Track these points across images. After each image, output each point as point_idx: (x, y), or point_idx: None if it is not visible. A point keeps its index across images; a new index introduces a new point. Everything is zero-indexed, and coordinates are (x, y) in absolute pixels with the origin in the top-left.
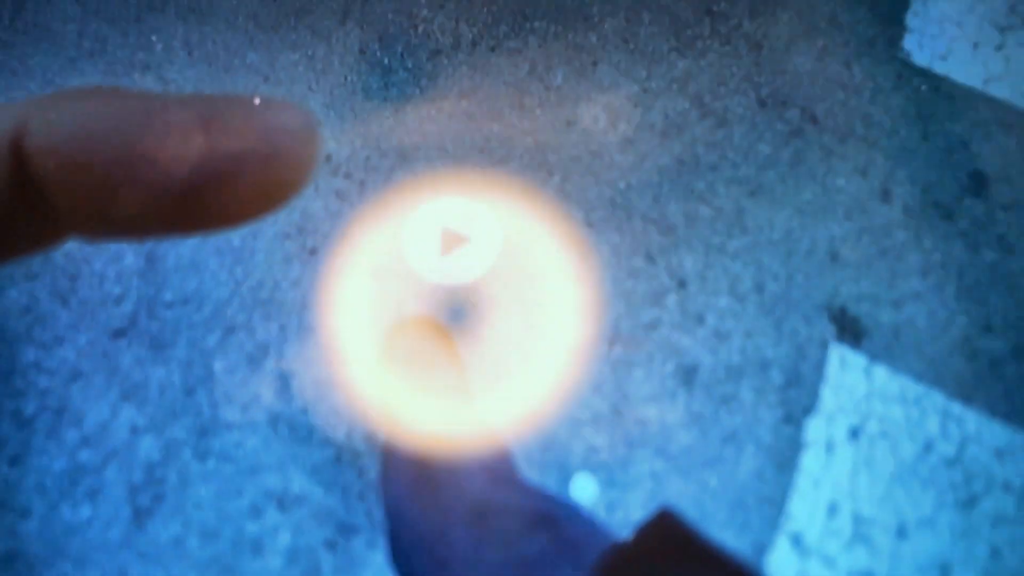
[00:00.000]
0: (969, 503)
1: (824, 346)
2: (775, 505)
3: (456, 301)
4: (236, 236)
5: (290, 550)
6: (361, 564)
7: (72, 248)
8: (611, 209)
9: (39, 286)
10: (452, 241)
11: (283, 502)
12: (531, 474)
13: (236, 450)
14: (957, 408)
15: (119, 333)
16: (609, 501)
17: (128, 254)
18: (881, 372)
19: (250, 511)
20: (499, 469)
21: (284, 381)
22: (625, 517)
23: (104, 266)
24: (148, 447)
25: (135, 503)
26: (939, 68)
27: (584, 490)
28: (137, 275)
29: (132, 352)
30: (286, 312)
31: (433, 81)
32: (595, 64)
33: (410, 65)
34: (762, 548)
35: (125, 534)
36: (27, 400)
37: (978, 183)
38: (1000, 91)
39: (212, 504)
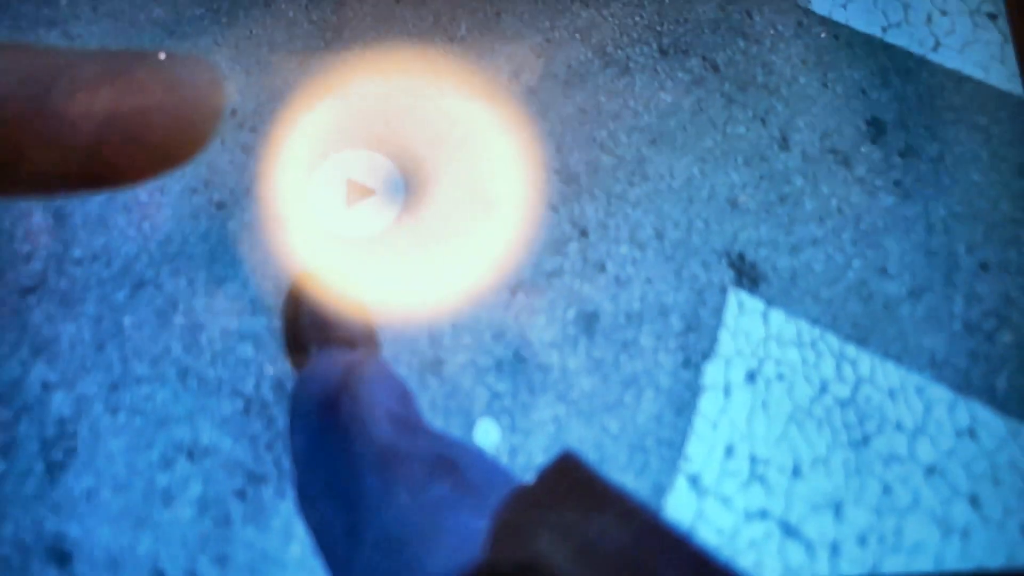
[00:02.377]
0: (862, 442)
1: (723, 291)
2: (674, 448)
3: (361, 256)
4: (143, 192)
5: (200, 500)
6: (271, 512)
7: None
8: (514, 159)
9: None
10: (357, 193)
11: (193, 453)
12: (435, 420)
13: (146, 403)
14: (852, 350)
15: (28, 290)
16: (512, 446)
17: (36, 212)
18: (778, 316)
19: (161, 463)
20: (404, 416)
21: (193, 334)
22: (527, 462)
23: (12, 224)
24: (59, 402)
25: (48, 457)
26: (839, 16)
27: (487, 435)
28: (46, 232)
29: (42, 309)
30: (194, 266)
31: (338, 34)
32: (499, 15)
33: (315, 18)
34: (661, 489)
35: (39, 488)
36: None
37: (876, 130)
38: (898, 39)
39: (123, 457)
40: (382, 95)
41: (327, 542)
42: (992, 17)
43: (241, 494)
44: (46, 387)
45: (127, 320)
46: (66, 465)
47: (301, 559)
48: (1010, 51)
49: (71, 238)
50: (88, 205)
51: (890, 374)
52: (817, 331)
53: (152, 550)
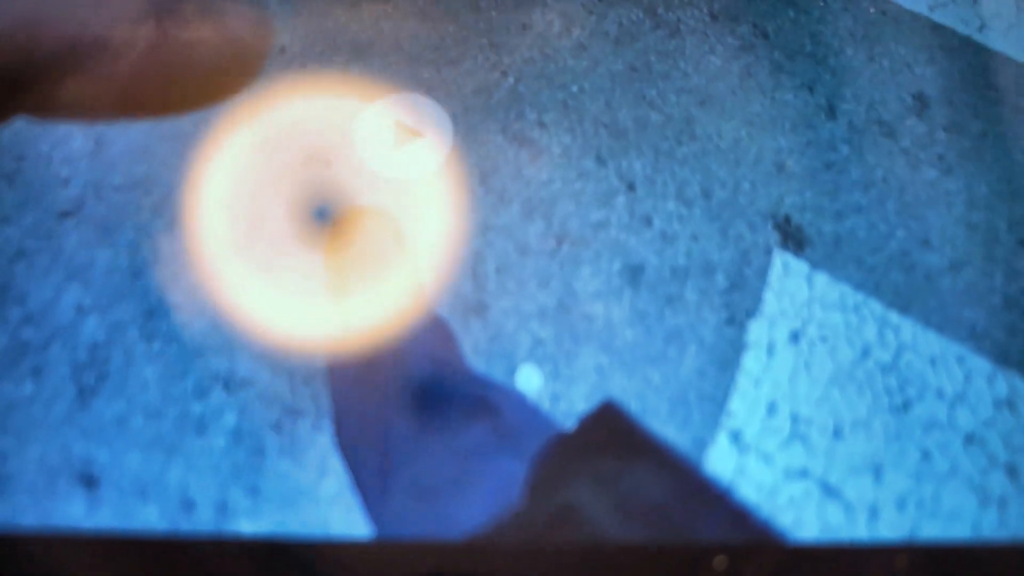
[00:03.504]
0: (903, 408)
1: (768, 252)
2: (716, 403)
3: (407, 197)
4: (188, 122)
5: (235, 431)
6: (306, 446)
7: (20, 127)
8: (563, 111)
9: None
10: (405, 135)
11: (229, 384)
12: (477, 364)
13: (183, 332)
14: (894, 317)
15: (65, 215)
16: (553, 393)
17: (77, 137)
18: (822, 279)
19: (195, 392)
20: (445, 357)
21: (238, 261)
22: (569, 409)
23: (51, 148)
24: (93, 327)
25: (79, 381)
26: None
27: (529, 381)
28: (86, 158)
29: (78, 234)
30: (238, 199)
31: None
32: None
33: None
34: (702, 444)
35: (68, 411)
36: None
37: (921, 104)
38: (944, 18)
39: (157, 384)
40: (431, 43)
41: (362, 483)
42: None
43: (277, 426)
44: (79, 311)
45: (165, 248)
46: (97, 390)
47: (336, 494)
48: None
49: (111, 165)
50: (130, 133)
51: (931, 342)
52: (860, 296)
53: (182, 478)
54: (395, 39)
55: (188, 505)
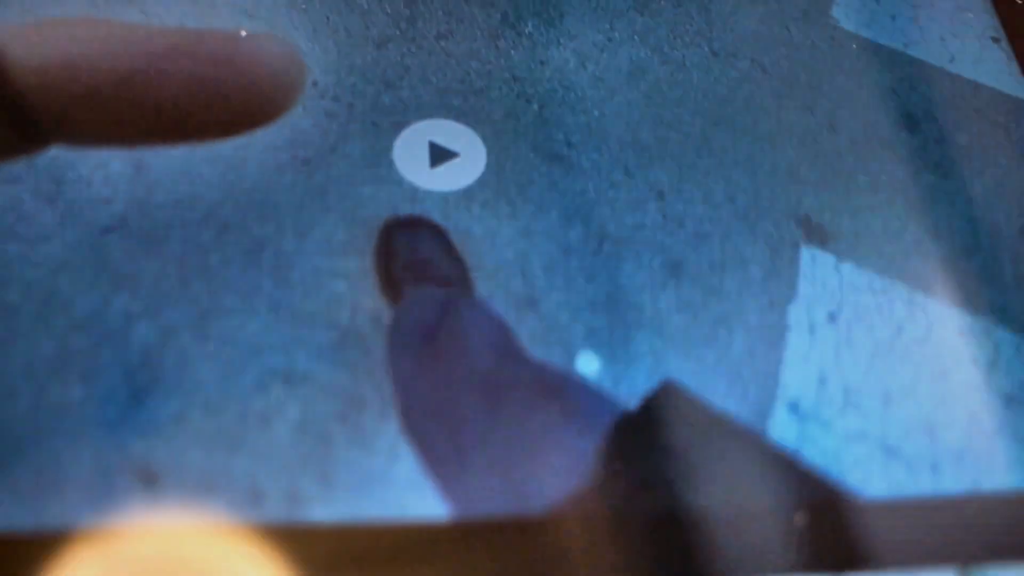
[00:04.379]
0: (942, 375)
1: (795, 247)
2: (770, 378)
3: (447, 210)
4: (227, 146)
5: (299, 423)
6: (374, 434)
7: (57, 154)
8: (588, 132)
9: (22, 188)
10: (441, 155)
11: (290, 379)
12: (535, 353)
13: (237, 333)
14: (920, 297)
15: (108, 230)
16: (613, 375)
17: (115, 161)
18: (848, 268)
19: (255, 387)
20: (504, 347)
21: (283, 272)
22: (630, 390)
23: (91, 171)
24: (143, 331)
25: (132, 383)
26: (866, 33)
27: (588, 366)
28: (126, 180)
29: (123, 246)
30: (282, 213)
31: (412, 24)
32: (562, 16)
33: (388, 9)
34: (763, 415)
35: (122, 412)
36: (10, 290)
37: (911, 122)
38: (918, 52)
39: (214, 382)
40: (457, 77)
41: (435, 466)
42: (995, 40)
43: (342, 417)
44: (128, 317)
45: (213, 258)
46: (152, 390)
47: (409, 478)
48: (1015, 68)
49: (153, 185)
50: (169, 156)
51: (957, 318)
52: (886, 281)
53: (249, 470)
54: (422, 74)
55: (257, 495)
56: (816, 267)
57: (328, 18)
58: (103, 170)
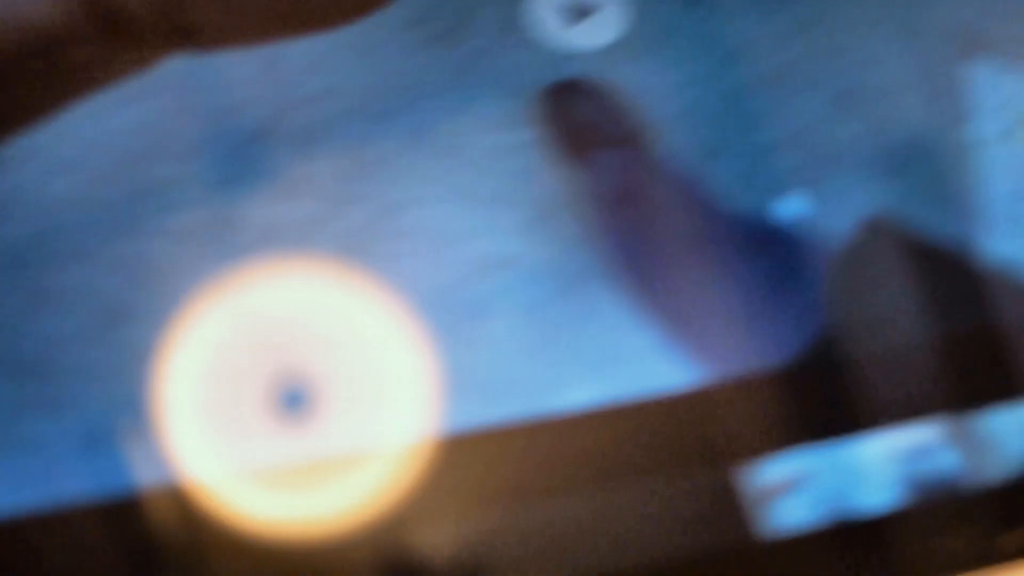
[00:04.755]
0: None
1: (960, 62)
2: (968, 201)
3: (601, 65)
4: (353, 31)
5: (519, 307)
6: (601, 309)
7: (176, 65)
8: None
9: (149, 106)
10: (579, 11)
11: (502, 262)
12: (731, 203)
13: (427, 224)
14: None
15: (254, 137)
16: (818, 214)
17: (241, 62)
18: (1009, 81)
19: (469, 276)
20: (699, 199)
21: (454, 155)
22: (839, 227)
23: (218, 76)
24: (326, 241)
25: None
26: None
27: (791, 208)
28: (258, 81)
29: (279, 152)
30: (434, 92)
31: None
32: None
33: None
34: (976, 236)
35: None
36: (179, 215)
37: None
38: None
39: (423, 279)
40: None
41: (669, 332)
42: None
43: (562, 295)
44: (311, 222)
45: (378, 149)
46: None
47: (650, 348)
48: None
49: (291, 82)
50: (301, 48)
51: None
52: None
53: (476, 364)
54: None
55: (503, 387)
56: (986, 81)
57: None
58: (231, 71)
